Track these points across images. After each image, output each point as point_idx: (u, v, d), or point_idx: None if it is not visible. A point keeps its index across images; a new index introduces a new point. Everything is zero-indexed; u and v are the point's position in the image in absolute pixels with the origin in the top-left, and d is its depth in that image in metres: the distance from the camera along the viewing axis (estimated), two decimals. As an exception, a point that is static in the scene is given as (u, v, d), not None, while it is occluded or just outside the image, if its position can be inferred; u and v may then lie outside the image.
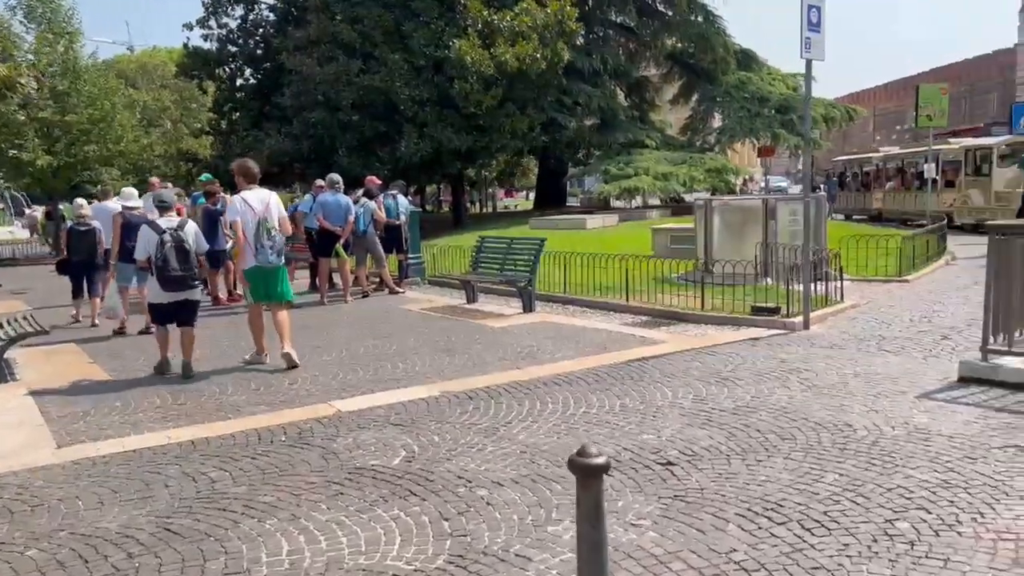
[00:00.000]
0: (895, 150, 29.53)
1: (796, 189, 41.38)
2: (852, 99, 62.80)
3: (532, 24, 25.31)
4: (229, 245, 11.41)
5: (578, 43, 29.56)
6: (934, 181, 20.27)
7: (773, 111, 29.77)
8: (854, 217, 27.90)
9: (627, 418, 5.49)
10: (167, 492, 4.49)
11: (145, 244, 7.48)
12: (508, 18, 25.48)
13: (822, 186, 30.68)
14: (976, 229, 20.68)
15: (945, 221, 15.77)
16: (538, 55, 24.98)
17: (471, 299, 11.49)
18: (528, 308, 10.29)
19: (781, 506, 3.90)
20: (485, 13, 25.68)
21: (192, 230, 7.67)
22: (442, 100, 26.08)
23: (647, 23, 34.89)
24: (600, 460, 2.23)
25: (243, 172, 7.84)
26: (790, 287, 8.83)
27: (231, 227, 8.00)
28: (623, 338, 8.34)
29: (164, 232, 7.37)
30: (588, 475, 2.24)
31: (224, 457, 5.05)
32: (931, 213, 18.66)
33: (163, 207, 7.74)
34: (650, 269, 10.87)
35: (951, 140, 24.51)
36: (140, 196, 11.19)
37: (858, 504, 3.88)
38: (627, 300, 10.21)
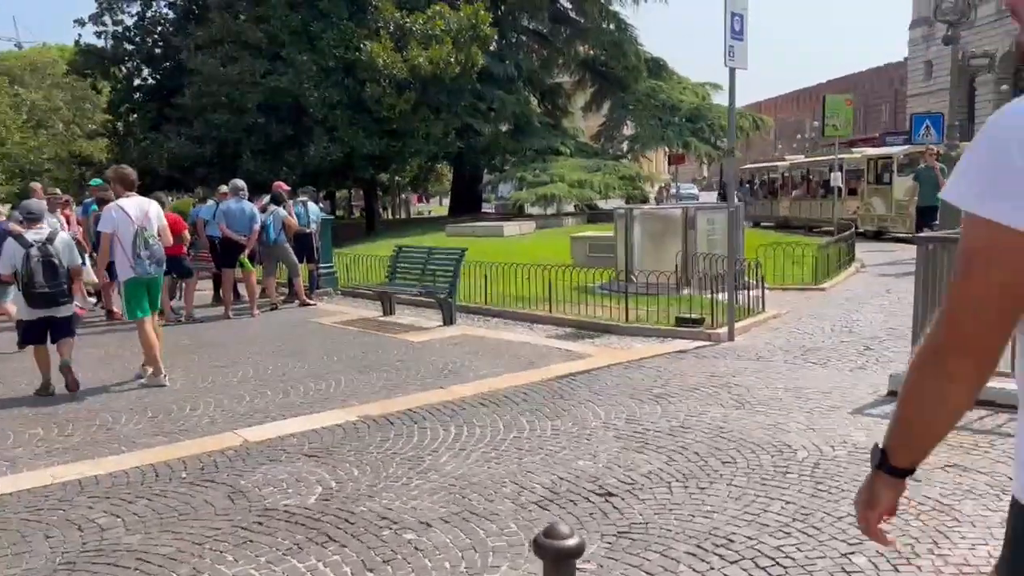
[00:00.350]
0: (800, 159, 30.41)
1: (705, 196, 42.27)
2: (754, 109, 64.75)
3: (446, 28, 24.94)
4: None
5: (492, 48, 29.34)
6: (839, 189, 20.84)
7: (684, 120, 30.23)
8: (762, 224, 28.56)
9: (560, 442, 5.19)
10: (47, 545, 3.93)
11: (9, 258, 6.89)
12: (421, 21, 25.04)
13: (737, 194, 31.29)
14: (878, 236, 21.43)
15: (854, 229, 16.15)
16: (452, 59, 24.62)
17: (388, 311, 11.03)
18: (449, 321, 9.91)
19: (731, 541, 3.66)
20: (397, 15, 25.17)
21: (63, 243, 7.08)
22: (353, 103, 25.40)
23: (560, 30, 34.96)
24: (572, 542, 1.85)
25: (120, 179, 7.48)
26: (714, 297, 8.73)
27: (100, 238, 7.64)
28: (549, 352, 8.07)
29: (31, 246, 6.82)
30: (559, 560, 1.85)
31: (116, 499, 4.50)
32: (838, 221, 19.16)
33: (31, 219, 7.11)
34: (571, 279, 10.66)
35: (853, 150, 25.34)
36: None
37: (810, 536, 3.67)
38: (550, 311, 9.96)
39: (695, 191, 43.91)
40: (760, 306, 9.43)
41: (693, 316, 8.68)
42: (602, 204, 29.83)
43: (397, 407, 6.19)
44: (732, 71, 8.11)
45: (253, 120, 25.50)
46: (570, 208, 30.22)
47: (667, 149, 31.27)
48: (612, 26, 33.85)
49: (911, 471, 1.39)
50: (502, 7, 31.89)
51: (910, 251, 13.28)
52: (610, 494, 4.28)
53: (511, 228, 23.46)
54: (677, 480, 4.44)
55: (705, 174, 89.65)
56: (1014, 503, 1.30)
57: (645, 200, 28.77)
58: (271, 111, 25.57)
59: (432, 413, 5.99)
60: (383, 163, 28.33)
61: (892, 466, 1.38)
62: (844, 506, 3.97)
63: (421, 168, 35.80)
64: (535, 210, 31.01)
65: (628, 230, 11.25)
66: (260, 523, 4.09)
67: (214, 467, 4.99)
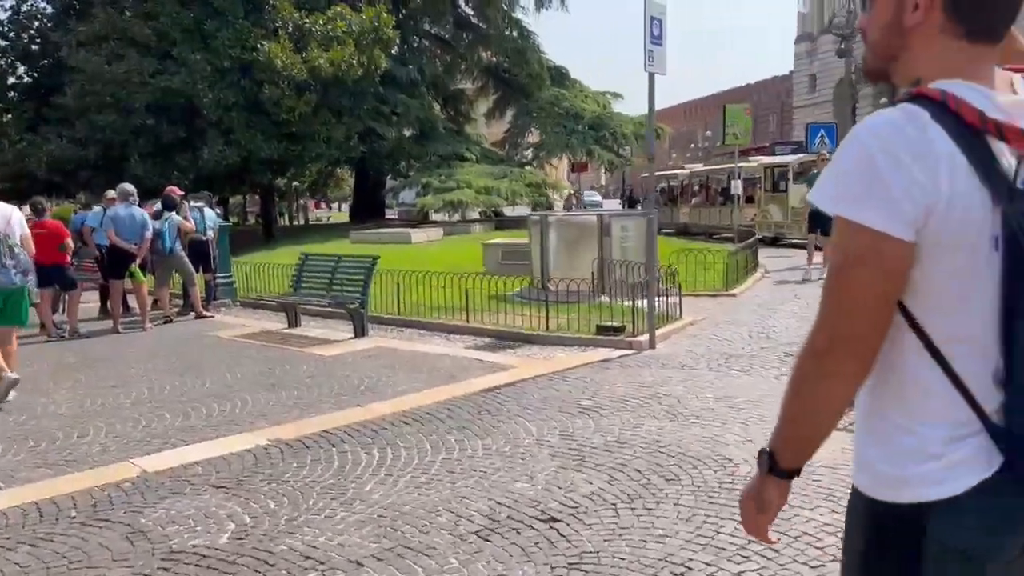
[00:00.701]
0: (700, 167, 31.14)
1: (608, 204, 42.79)
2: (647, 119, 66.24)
3: (347, 29, 24.31)
4: None
5: (394, 52, 28.86)
6: (738, 197, 21.37)
7: (587, 128, 30.49)
8: (663, 231, 29.07)
9: (494, 463, 4.88)
10: (-95, 609, 3.35)
11: None
12: (321, 22, 24.33)
13: (642, 201, 31.82)
14: (775, 242, 22.09)
15: (757, 236, 16.51)
16: (354, 61, 24.01)
17: (293, 323, 10.46)
18: (361, 332, 9.46)
19: (689, 569, 3.44)
20: (296, 15, 24.37)
21: None
22: (251, 105, 24.42)
23: (462, 35, 34.81)
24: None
25: None
26: (633, 304, 8.63)
27: None
28: (470, 364, 7.75)
29: None
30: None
31: (-10, 548, 3.93)
32: (739, 227, 19.61)
33: None
34: (487, 287, 10.38)
35: (751, 158, 26.09)
36: None
37: (769, 560, 3.49)
38: (468, 321, 9.65)
39: (598, 198, 44.49)
40: (678, 313, 9.39)
41: (614, 324, 8.54)
42: (508, 211, 29.77)
43: (312, 429, 5.75)
44: (651, 76, 8.03)
45: (142, 121, 24.18)
46: (475, 215, 30.02)
47: (571, 157, 31.46)
48: (515, 33, 33.93)
49: (798, 472, 1.42)
50: (403, 10, 31.46)
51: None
52: (554, 519, 4.00)
53: (419, 235, 23.02)
54: (622, 501, 4.21)
55: (603, 182, 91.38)
56: (871, 502, 1.35)
57: (550, 207, 28.85)
58: (161, 112, 24.32)
59: (351, 435, 5.57)
60: (282, 167, 27.43)
61: (781, 468, 1.41)
62: (798, 524, 3.82)
63: (321, 173, 34.87)
64: (440, 216, 30.66)
65: (543, 237, 11.06)
66: (166, 568, 3.62)
67: (108, 503, 4.45)
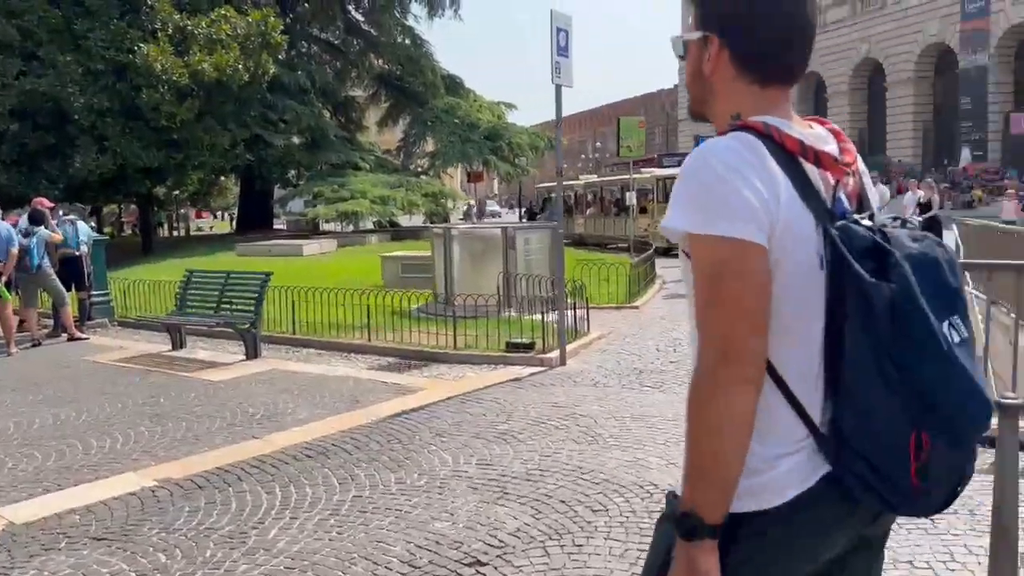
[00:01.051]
0: (594, 178, 31.54)
1: (507, 214, 42.74)
2: (540, 129, 67.18)
3: (232, 33, 23.32)
4: None
5: (282, 57, 27.95)
6: (632, 207, 21.67)
7: (483, 138, 30.36)
8: (558, 240, 29.28)
9: (409, 499, 4.55)
10: None
11: None
12: (204, 24, 23.24)
13: (543, 214, 31.86)
14: (667, 252, 22.52)
15: (653, 248, 16.71)
16: (240, 66, 23.04)
17: (178, 345, 9.75)
18: (253, 354, 8.88)
19: (631, 613, 3.23)
20: (177, 17, 23.20)
21: None
22: (127, 110, 23.07)
23: (353, 42, 34.13)
24: None
25: None
26: (543, 319, 8.46)
27: None
28: (375, 387, 7.35)
29: None
30: None
31: None
32: (634, 238, 19.86)
33: None
34: (388, 302, 10.00)
35: (643, 170, 26.60)
36: None
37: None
38: (369, 339, 9.23)
39: (496, 208, 44.44)
40: (586, 327, 9.28)
41: (524, 341, 8.33)
42: (404, 221, 29.28)
43: (205, 466, 5.24)
44: (558, 88, 7.88)
45: (5, 127, 22.45)
46: (370, 225, 29.39)
47: (468, 166, 31.28)
48: (407, 40, 33.54)
49: (723, 523, 1.31)
50: (291, 15, 30.55)
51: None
52: (480, 563, 3.72)
53: (311, 247, 22.27)
54: (551, 538, 3.96)
55: (496, 191, 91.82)
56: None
57: (446, 218, 28.54)
58: (26, 116, 22.62)
59: (249, 472, 5.11)
60: (161, 176, 26.04)
61: (708, 524, 1.29)
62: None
63: (204, 182, 33.36)
64: (332, 227, 29.86)
65: (447, 250, 10.77)
66: (36, 648, 3.12)
67: (-35, 567, 3.87)
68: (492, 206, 46.50)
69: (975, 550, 3.61)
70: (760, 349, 1.29)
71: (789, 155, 1.32)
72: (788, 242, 1.29)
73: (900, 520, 3.95)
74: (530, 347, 8.26)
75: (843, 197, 1.38)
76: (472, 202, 37.45)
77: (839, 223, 1.31)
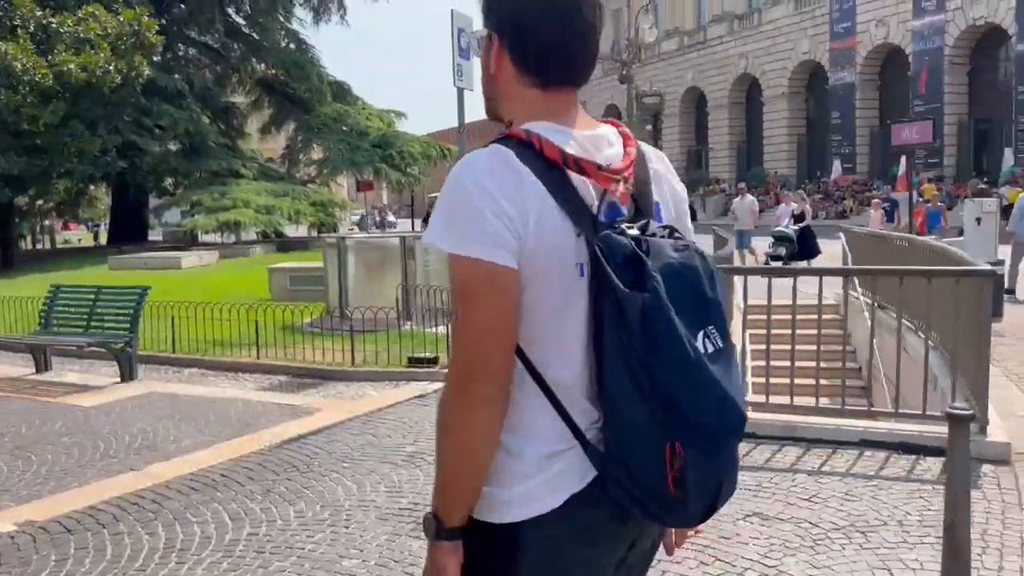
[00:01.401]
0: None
1: (402, 223, 41.89)
2: (434, 138, 66.83)
3: (102, 32, 21.91)
4: None
5: (158, 60, 26.52)
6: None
7: (373, 146, 29.69)
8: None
9: (312, 535, 4.12)
10: None
11: None
12: (71, 22, 21.74)
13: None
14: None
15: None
16: (111, 67, 21.67)
17: (43, 367, 8.86)
18: (129, 376, 8.13)
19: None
20: (40, 13, 21.61)
21: None
22: (-17, 113, 21.28)
23: (234, 46, 32.81)
24: None
25: None
26: (448, 331, 8.11)
27: None
28: (267, 409, 6.82)
29: None
30: None
31: None
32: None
33: None
34: (277, 317, 9.42)
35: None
36: None
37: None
38: (258, 357, 8.65)
39: (391, 218, 43.54)
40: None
41: (426, 355, 7.97)
42: (291, 231, 28.27)
43: (74, 505, 4.64)
44: (460, 91, 7.61)
45: None
46: (253, 236, 28.21)
47: (357, 175, 30.51)
48: (292, 45, 32.55)
49: (461, 526, 1.38)
50: (167, 16, 29.09)
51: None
52: (398, 606, 3.35)
53: (190, 259, 21.09)
54: (473, 572, 3.63)
55: (385, 200, 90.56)
56: (477, 523, 1.37)
57: (335, 228, 27.70)
58: None
59: (126, 510, 4.55)
60: (22, 184, 24.17)
61: (447, 528, 1.37)
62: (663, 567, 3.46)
63: (71, 190, 31.23)
64: (212, 238, 28.51)
65: (341, 261, 10.26)
66: None
67: None
68: (387, 216, 45.71)
69: (910, 563, 3.52)
70: (506, 367, 1.32)
71: (550, 163, 1.33)
72: (542, 256, 1.30)
73: (833, 536, 3.85)
74: (434, 361, 7.91)
75: (616, 203, 1.38)
76: (363, 211, 36.57)
77: (602, 233, 1.31)
